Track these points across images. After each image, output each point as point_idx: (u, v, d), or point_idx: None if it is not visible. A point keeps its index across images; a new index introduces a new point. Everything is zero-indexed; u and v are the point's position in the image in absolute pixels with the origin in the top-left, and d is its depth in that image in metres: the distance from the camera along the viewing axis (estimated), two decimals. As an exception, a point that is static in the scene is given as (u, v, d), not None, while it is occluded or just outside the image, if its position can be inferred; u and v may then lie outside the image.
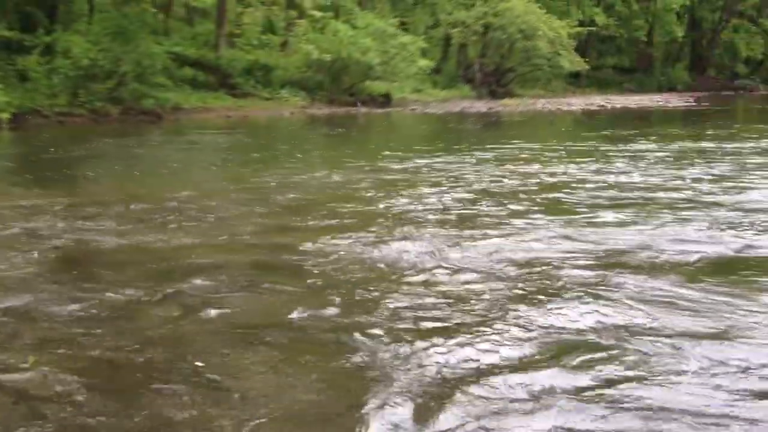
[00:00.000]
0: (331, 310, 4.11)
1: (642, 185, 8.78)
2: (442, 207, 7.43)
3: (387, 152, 13.07)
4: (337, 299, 4.30)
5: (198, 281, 4.67)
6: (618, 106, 31.53)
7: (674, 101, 35.16)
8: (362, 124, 22.26)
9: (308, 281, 4.72)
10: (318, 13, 28.95)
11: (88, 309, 4.15)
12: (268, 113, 24.02)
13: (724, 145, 13.38)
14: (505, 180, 9.39)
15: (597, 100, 34.27)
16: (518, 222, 6.58)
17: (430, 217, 6.89)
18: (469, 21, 35.73)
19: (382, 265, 5.07)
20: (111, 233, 6.11)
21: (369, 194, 8.28)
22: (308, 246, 5.55)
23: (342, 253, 5.36)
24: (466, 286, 4.56)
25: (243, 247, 5.76)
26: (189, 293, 4.45)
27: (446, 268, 4.97)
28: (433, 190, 8.56)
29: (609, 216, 6.79)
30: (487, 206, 7.45)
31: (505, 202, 7.71)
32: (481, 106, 30.16)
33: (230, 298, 4.38)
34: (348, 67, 27.27)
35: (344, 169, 10.27)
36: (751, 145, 13.56)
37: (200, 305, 4.21)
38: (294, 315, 4.02)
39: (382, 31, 29.03)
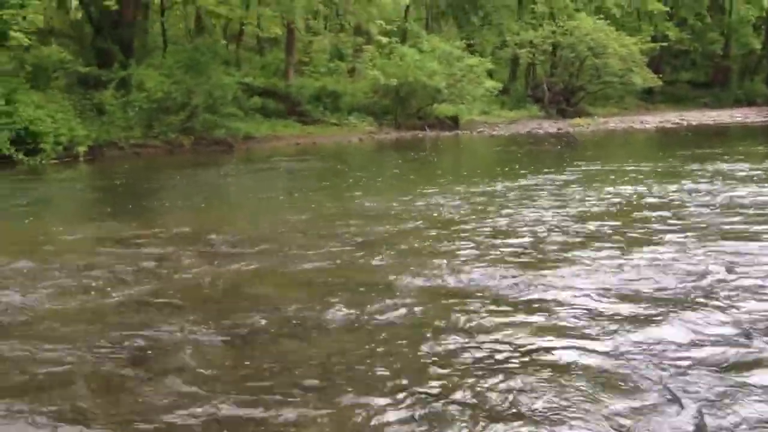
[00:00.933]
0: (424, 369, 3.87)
1: (747, 204, 8.47)
2: (557, 231, 7.26)
3: (462, 177, 12.90)
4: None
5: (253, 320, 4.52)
6: (694, 123, 30.56)
7: (753, 116, 33.89)
8: (431, 148, 22.05)
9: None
10: (385, 39, 28.99)
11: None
12: (336, 139, 24.08)
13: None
14: (606, 200, 9.14)
15: (672, 117, 33.31)
16: (660, 238, 6.57)
17: (557, 238, 6.80)
18: (537, 41, 35.32)
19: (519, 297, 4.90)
20: (193, 266, 6.03)
21: (462, 220, 8.15)
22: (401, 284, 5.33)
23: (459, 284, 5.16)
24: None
25: (327, 284, 5.56)
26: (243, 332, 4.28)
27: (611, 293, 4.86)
28: (533, 214, 8.36)
29: (736, 230, 6.81)
30: (605, 227, 7.33)
31: (622, 222, 7.64)
32: (550, 126, 29.62)
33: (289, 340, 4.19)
34: (415, 91, 27.19)
35: (427, 195, 10.14)
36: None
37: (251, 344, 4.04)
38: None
39: (448, 54, 28.91)
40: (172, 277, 5.76)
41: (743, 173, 11.66)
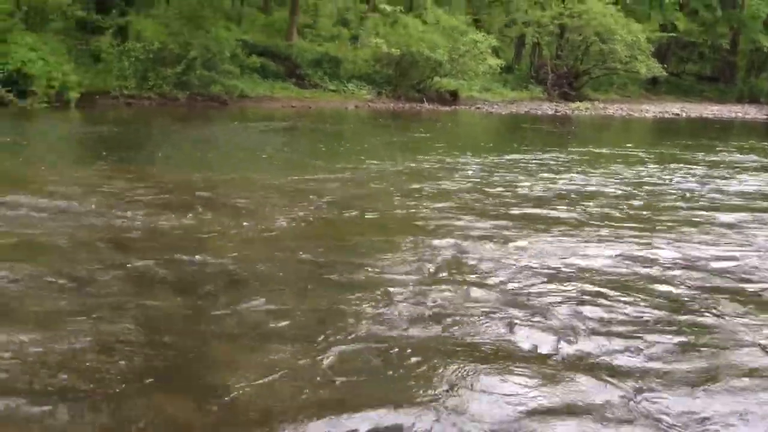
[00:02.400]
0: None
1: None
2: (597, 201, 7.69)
3: (472, 149, 13.14)
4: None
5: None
6: (693, 115, 30.46)
7: (753, 113, 33.78)
8: (426, 121, 21.91)
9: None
10: (389, 8, 28.73)
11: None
12: (333, 105, 23.94)
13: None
14: (621, 180, 9.56)
15: (673, 108, 33.20)
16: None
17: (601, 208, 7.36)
18: (545, 21, 35.05)
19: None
20: (180, 221, 6.00)
21: (491, 185, 8.52)
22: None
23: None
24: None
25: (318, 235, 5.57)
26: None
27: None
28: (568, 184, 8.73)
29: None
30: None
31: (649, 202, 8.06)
32: (549, 108, 29.49)
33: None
34: (416, 62, 27.01)
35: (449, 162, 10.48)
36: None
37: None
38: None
39: (452, 28, 28.67)
40: (141, 222, 5.77)
41: (741, 165, 12.10)
